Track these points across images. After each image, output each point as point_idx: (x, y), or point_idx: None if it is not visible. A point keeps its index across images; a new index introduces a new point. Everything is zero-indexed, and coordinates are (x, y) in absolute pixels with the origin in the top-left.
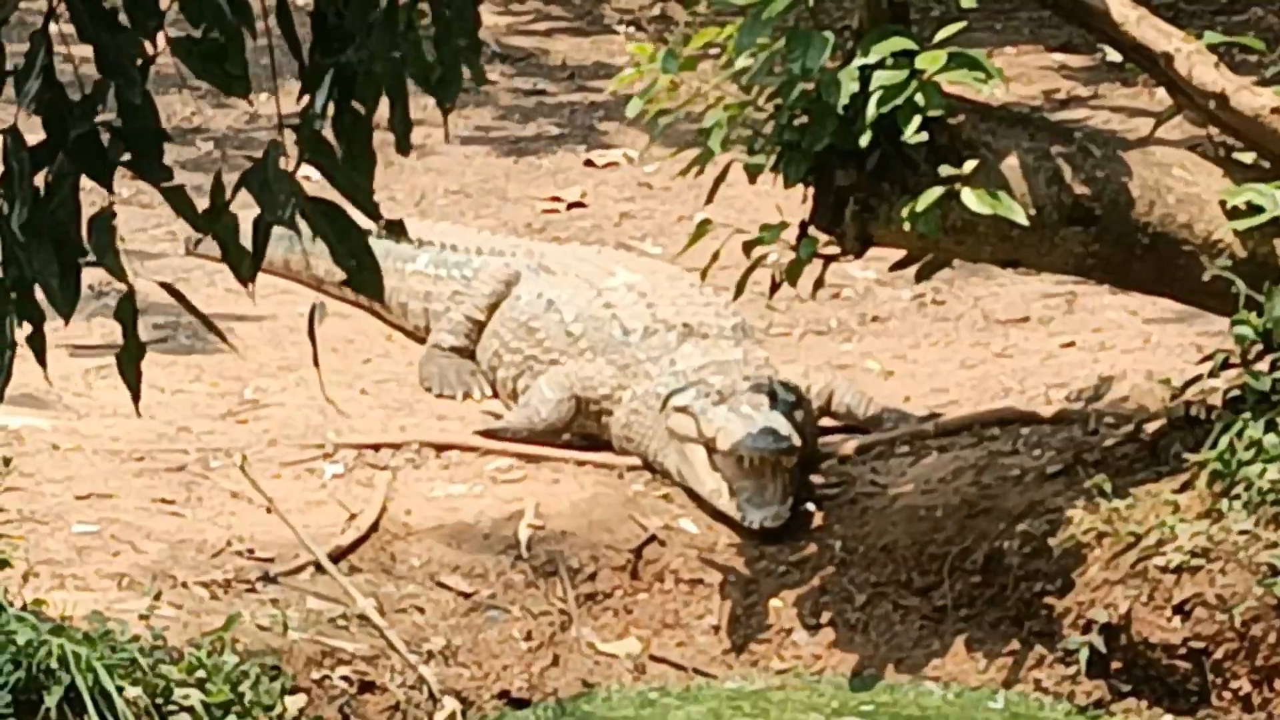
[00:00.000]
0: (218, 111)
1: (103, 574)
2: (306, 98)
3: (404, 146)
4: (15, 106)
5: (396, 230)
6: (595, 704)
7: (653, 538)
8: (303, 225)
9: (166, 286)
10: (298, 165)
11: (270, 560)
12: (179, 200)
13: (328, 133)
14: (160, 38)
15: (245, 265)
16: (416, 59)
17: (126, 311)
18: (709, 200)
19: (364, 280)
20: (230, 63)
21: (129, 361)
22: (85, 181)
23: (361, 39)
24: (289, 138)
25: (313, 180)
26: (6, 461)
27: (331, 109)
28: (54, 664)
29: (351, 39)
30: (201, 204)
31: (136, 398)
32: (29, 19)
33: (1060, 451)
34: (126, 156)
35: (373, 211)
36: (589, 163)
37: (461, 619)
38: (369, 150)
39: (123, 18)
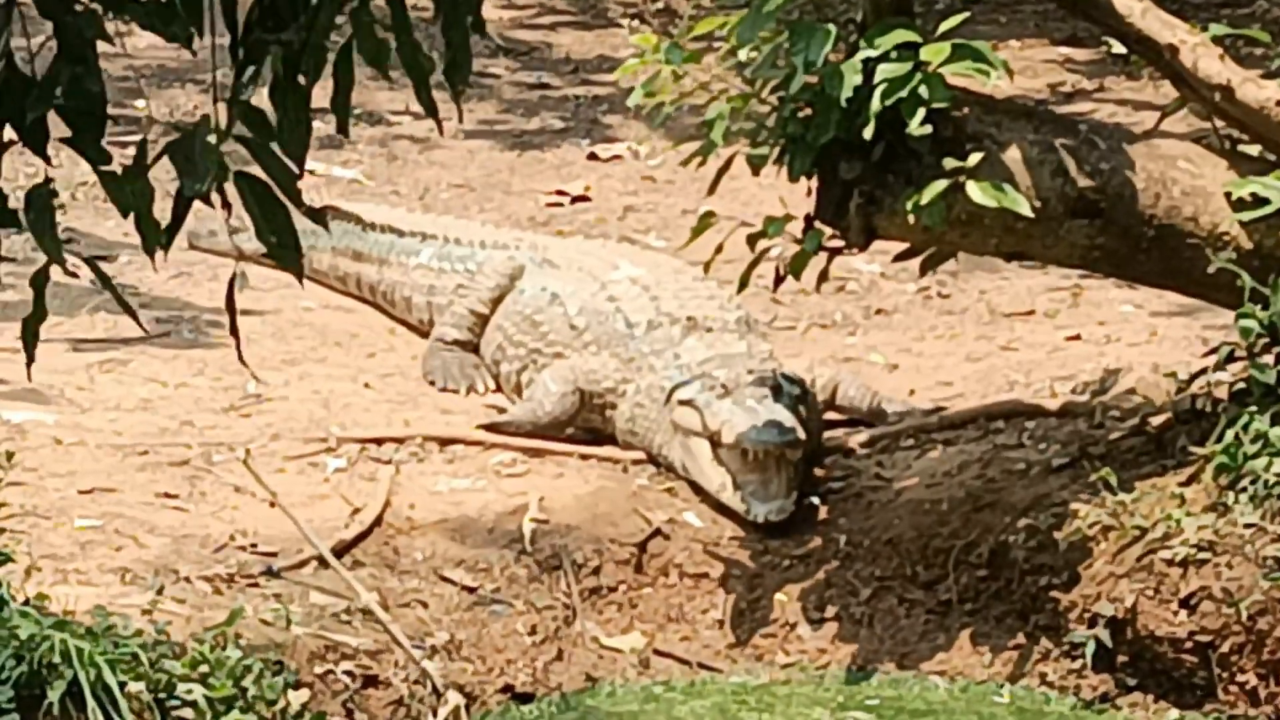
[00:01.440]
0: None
1: (105, 569)
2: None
3: (343, 129)
4: None
5: (317, 218)
6: (599, 698)
7: (657, 532)
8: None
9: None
10: (225, 137)
11: (273, 555)
12: (112, 184)
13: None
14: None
15: (153, 237)
16: (366, 41)
17: (39, 281)
18: (711, 192)
19: (284, 256)
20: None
21: (30, 325)
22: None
23: (304, 18)
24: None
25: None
26: (9, 456)
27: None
28: (56, 659)
29: (295, 17)
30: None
31: (30, 361)
32: None
33: (1065, 445)
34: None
35: (294, 196)
36: (593, 156)
37: (465, 613)
38: (306, 121)
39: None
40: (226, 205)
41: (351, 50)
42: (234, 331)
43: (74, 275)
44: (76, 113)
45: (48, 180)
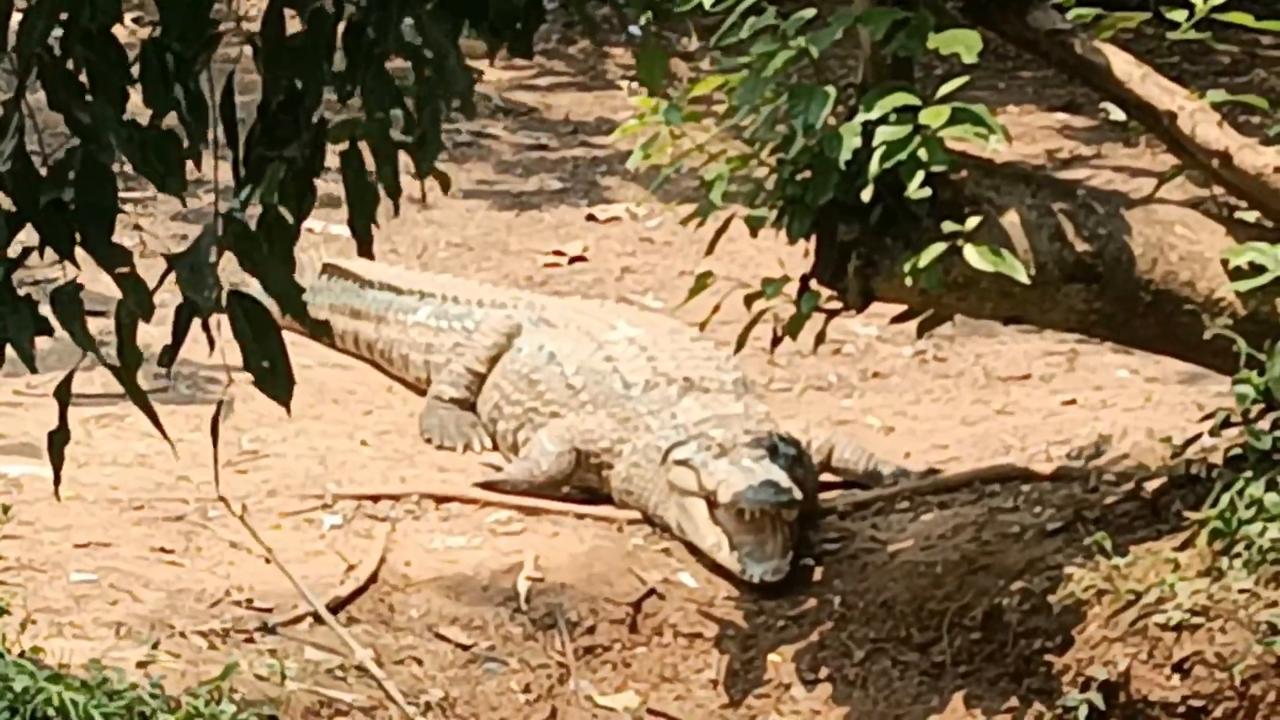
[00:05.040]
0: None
1: (101, 622)
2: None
3: (366, 251)
4: None
5: (323, 331)
6: None
7: (652, 591)
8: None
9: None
10: (218, 258)
11: (269, 610)
12: (130, 285)
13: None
14: None
15: (132, 358)
16: (407, 120)
17: (63, 394)
18: (709, 252)
19: (274, 385)
20: (169, 160)
21: (58, 444)
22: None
23: (307, 134)
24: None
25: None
26: (5, 509)
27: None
28: (51, 711)
29: (297, 134)
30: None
31: (58, 481)
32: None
33: (1060, 509)
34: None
35: (300, 312)
36: (591, 217)
37: (460, 670)
38: (289, 252)
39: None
40: (205, 328)
41: (363, 166)
42: (215, 459)
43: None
44: (86, 210)
45: (74, 280)
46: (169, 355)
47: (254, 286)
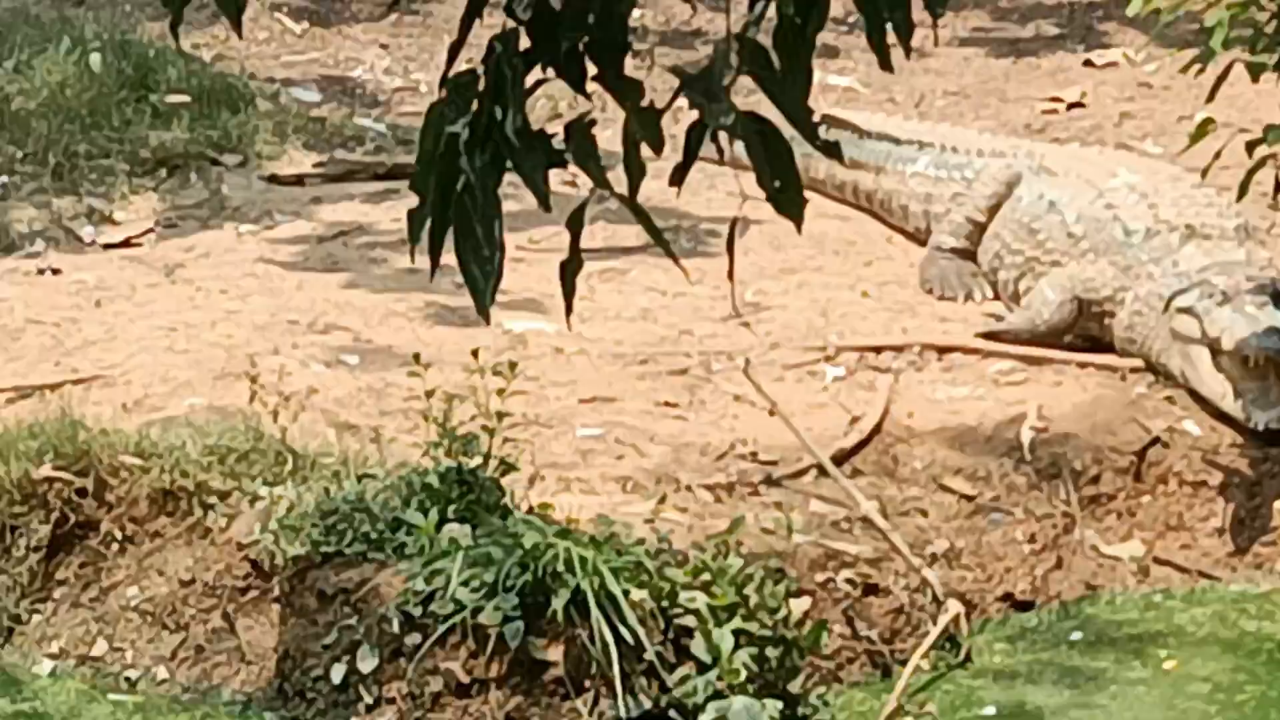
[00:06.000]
0: (716, 15)
1: (607, 477)
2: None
3: (905, 50)
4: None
5: (833, 154)
6: (1099, 606)
7: (1156, 440)
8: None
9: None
10: (734, 78)
11: (773, 463)
12: (643, 119)
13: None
14: None
15: (637, 174)
16: None
17: (576, 222)
18: (1210, 100)
19: (787, 201)
20: None
21: (570, 272)
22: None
23: None
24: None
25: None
26: (512, 366)
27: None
28: (560, 567)
29: None
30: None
31: (569, 311)
32: None
33: None
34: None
35: (809, 132)
36: (1088, 63)
37: (964, 521)
38: (806, 67)
39: None
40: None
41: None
42: (730, 275)
43: (573, 185)
44: (600, 46)
45: (587, 113)
46: (679, 174)
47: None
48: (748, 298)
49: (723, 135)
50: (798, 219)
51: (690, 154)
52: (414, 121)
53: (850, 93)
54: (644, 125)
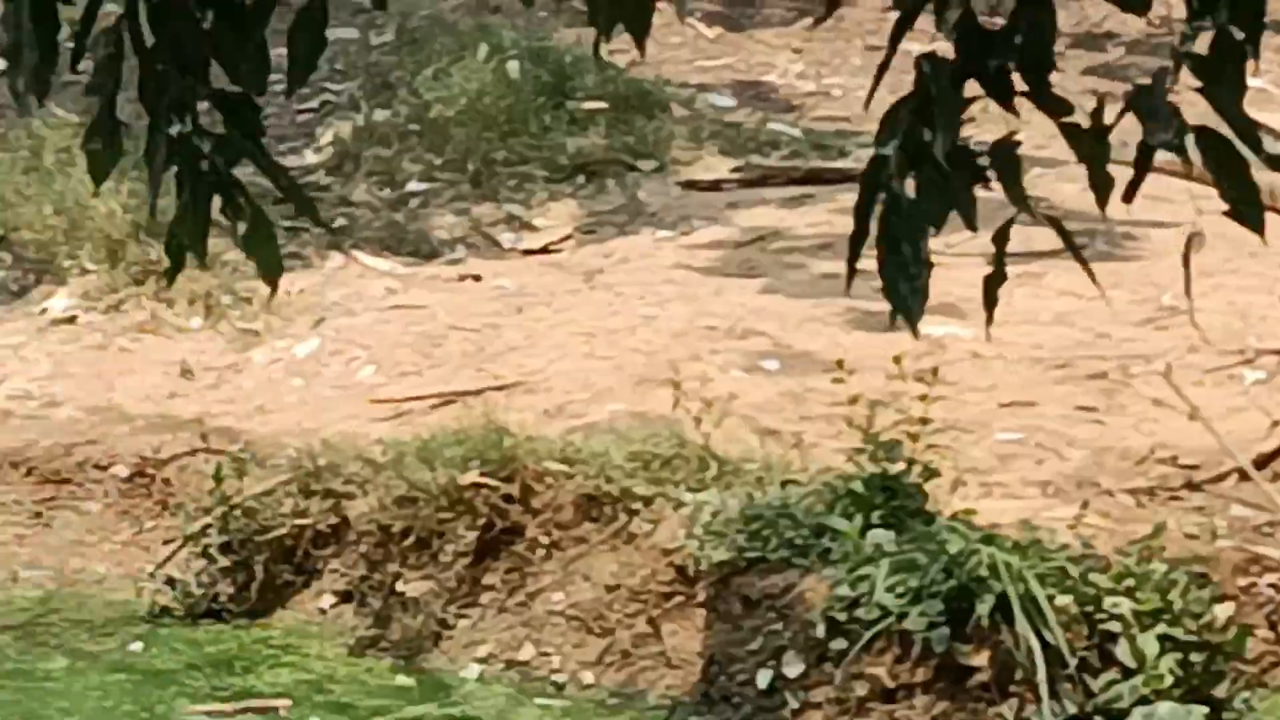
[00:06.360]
0: (1128, 16)
1: (1027, 481)
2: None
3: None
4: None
5: (1277, 166)
6: None
7: None
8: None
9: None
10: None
11: (1194, 467)
12: (1076, 138)
13: None
14: None
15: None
16: None
17: (1002, 237)
18: None
19: (1247, 214)
20: None
21: (993, 286)
22: None
23: None
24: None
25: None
26: (934, 372)
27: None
28: (984, 573)
29: None
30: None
31: (990, 321)
32: None
33: None
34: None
35: (1254, 143)
36: None
37: None
38: (1242, 78)
39: None
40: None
41: None
42: (1188, 291)
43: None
44: (1028, 65)
45: (1014, 133)
46: (1130, 192)
47: None
48: (1164, 301)
49: None
50: (1259, 228)
51: (1141, 171)
52: (827, 126)
53: (1263, 94)
54: (1076, 142)
